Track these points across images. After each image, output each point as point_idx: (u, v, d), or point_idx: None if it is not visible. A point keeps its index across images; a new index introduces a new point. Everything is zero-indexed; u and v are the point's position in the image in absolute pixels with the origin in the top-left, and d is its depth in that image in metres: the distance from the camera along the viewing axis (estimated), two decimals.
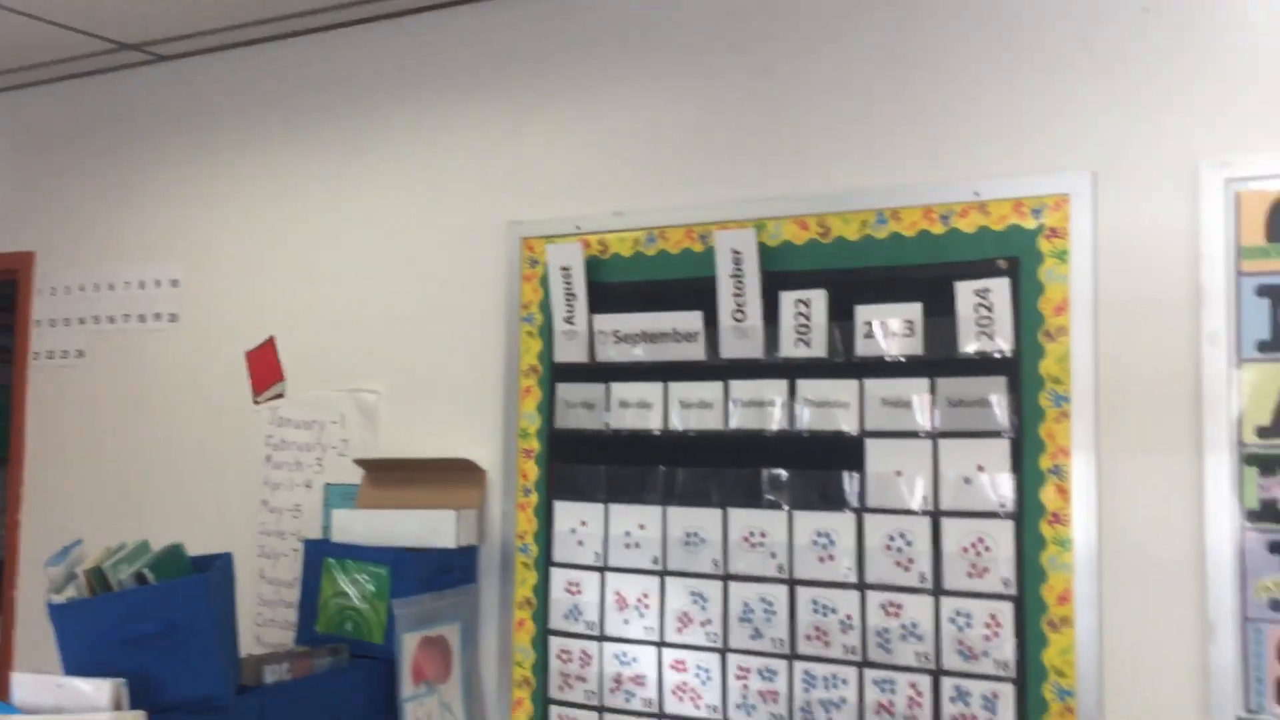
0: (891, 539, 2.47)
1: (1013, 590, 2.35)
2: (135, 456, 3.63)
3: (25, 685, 2.26)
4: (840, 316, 2.56)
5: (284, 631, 3.21)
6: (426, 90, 3.18)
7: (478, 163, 3.09)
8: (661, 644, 2.71)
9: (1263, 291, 2.17)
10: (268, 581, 3.30)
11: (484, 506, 2.97)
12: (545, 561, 2.87)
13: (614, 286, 2.83)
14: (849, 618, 2.50)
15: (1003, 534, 2.36)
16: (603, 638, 2.78)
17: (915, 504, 2.45)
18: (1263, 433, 2.15)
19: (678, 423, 2.73)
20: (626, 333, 2.80)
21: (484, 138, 3.08)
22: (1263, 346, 2.16)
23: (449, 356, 3.08)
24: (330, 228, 3.32)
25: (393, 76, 3.23)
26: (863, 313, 2.54)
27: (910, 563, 2.45)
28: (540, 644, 2.86)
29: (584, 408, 2.85)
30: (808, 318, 2.59)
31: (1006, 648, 2.35)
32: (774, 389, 2.62)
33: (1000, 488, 2.37)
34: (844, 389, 2.54)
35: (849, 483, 2.52)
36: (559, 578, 2.85)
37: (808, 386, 2.59)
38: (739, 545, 2.63)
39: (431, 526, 2.85)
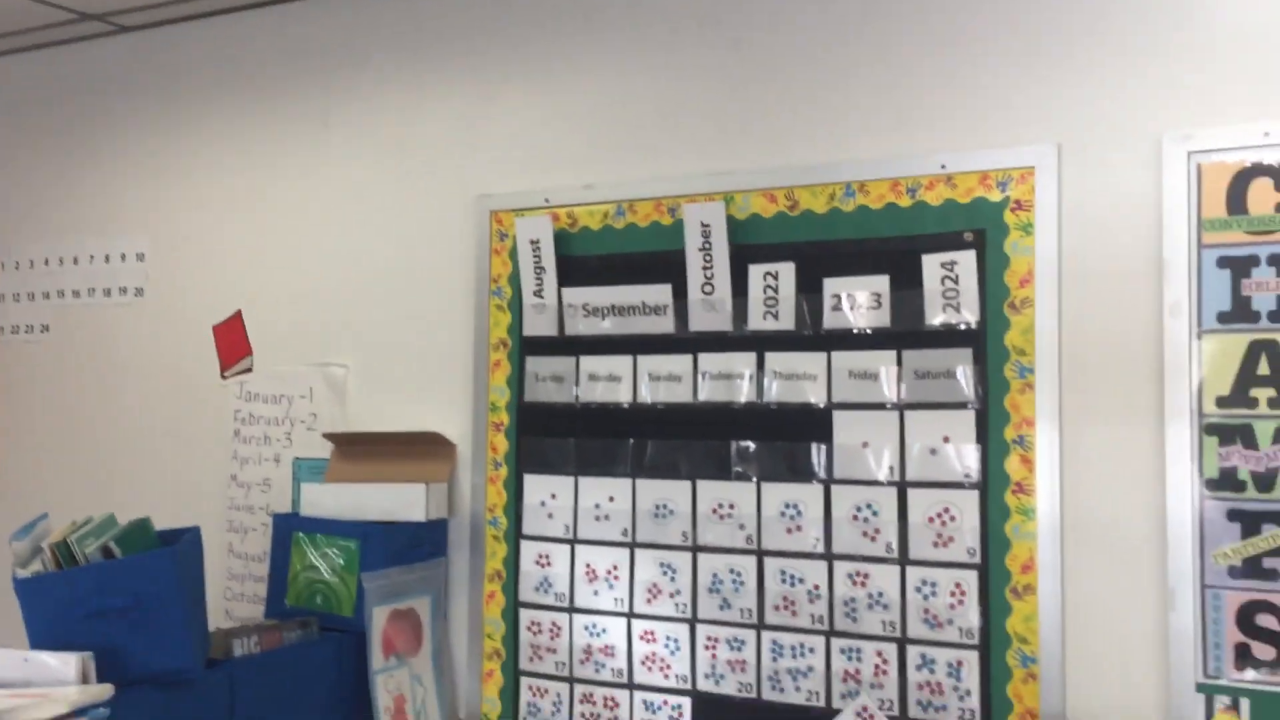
0: (858, 509, 2.49)
1: (977, 559, 2.38)
2: (101, 431, 3.60)
3: None
4: (808, 289, 2.57)
5: (254, 606, 3.21)
6: (394, 63, 3.15)
7: (446, 135, 3.07)
8: (631, 615, 2.73)
9: (1223, 263, 2.19)
10: (237, 556, 3.29)
11: (454, 480, 2.97)
12: (515, 534, 2.88)
13: (583, 260, 2.83)
14: (816, 588, 2.53)
15: (968, 504, 2.39)
16: (572, 609, 2.79)
17: (882, 475, 2.48)
18: (1222, 402, 2.18)
19: (647, 395, 2.74)
20: (595, 306, 2.80)
21: (452, 110, 3.06)
22: (1223, 317, 2.19)
23: (418, 330, 3.07)
24: (298, 201, 3.29)
25: (361, 48, 3.20)
26: (830, 285, 2.55)
27: (877, 533, 2.47)
28: (510, 616, 2.87)
29: (553, 381, 2.85)
30: (776, 290, 2.60)
31: (971, 616, 2.38)
32: (743, 361, 2.63)
33: (965, 458, 2.40)
34: (812, 361, 2.56)
35: (817, 454, 2.54)
36: (529, 550, 2.86)
37: (776, 359, 2.60)
38: (708, 517, 2.65)
39: (401, 500, 2.84)
